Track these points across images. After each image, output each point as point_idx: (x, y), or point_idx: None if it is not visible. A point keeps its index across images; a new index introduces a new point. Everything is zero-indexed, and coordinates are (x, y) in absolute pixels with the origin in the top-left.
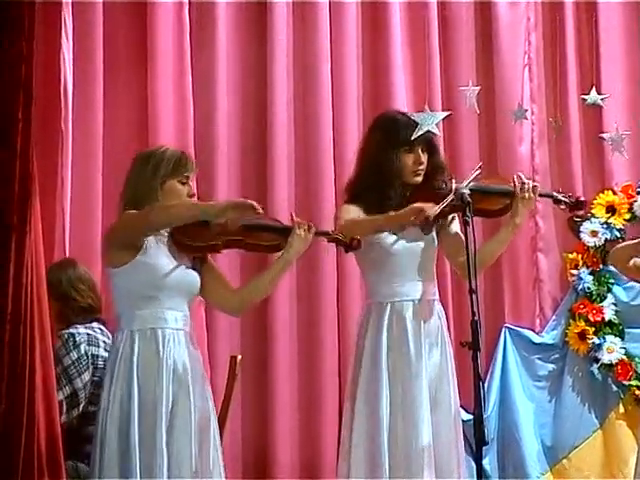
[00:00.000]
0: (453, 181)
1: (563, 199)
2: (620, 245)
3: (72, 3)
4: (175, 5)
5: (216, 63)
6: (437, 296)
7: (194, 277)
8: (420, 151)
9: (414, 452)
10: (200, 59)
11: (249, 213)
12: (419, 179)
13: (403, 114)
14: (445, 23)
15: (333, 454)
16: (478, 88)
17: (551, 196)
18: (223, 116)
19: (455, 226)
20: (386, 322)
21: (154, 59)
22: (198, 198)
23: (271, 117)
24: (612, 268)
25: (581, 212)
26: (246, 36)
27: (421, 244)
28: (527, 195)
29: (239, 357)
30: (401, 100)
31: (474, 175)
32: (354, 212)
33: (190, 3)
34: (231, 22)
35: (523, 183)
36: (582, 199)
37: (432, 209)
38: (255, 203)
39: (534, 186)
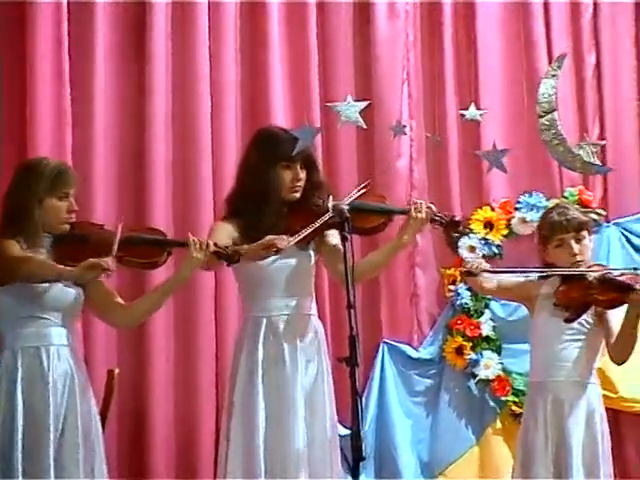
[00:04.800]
0: (330, 198)
1: (437, 218)
2: None
3: None
4: (53, 12)
5: (94, 70)
6: (315, 311)
7: (73, 295)
8: (299, 167)
9: (289, 458)
10: (78, 68)
11: (98, 272)
12: (297, 195)
13: (282, 129)
14: (324, 38)
15: (210, 466)
16: (366, 103)
17: (428, 217)
18: (100, 128)
19: (333, 237)
20: (262, 336)
21: (33, 70)
22: (76, 214)
23: (149, 127)
24: None
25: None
26: (125, 45)
27: (297, 260)
28: (419, 215)
29: (116, 371)
30: (280, 114)
31: (357, 194)
32: (226, 230)
33: (69, 9)
34: (110, 28)
35: (417, 202)
36: (457, 218)
37: (284, 241)
38: (107, 264)
39: (428, 207)
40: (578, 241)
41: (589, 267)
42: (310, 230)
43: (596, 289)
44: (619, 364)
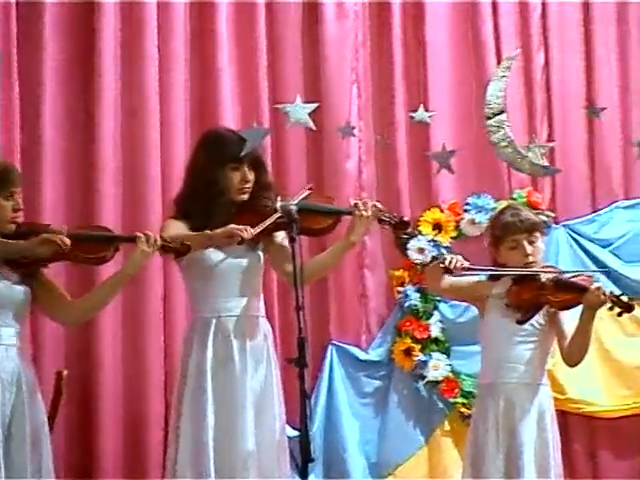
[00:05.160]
0: (279, 199)
1: (386, 219)
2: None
3: None
4: (1, 11)
5: (42, 71)
6: (263, 312)
7: (20, 293)
8: (247, 169)
9: (237, 459)
10: (27, 68)
11: (52, 248)
12: (245, 197)
13: (230, 130)
14: (273, 38)
15: (158, 466)
16: (316, 105)
17: (374, 215)
18: (49, 128)
19: (282, 239)
20: (211, 337)
21: None
22: (24, 211)
23: (97, 127)
24: None
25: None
26: (74, 45)
27: (246, 260)
28: (364, 213)
29: (65, 372)
30: (228, 115)
31: (303, 195)
32: (176, 227)
33: (18, 8)
34: (59, 29)
35: (364, 202)
36: (406, 219)
37: (247, 232)
38: (61, 240)
39: (374, 205)
40: (531, 243)
41: (542, 268)
42: (263, 226)
43: (549, 290)
44: (572, 366)
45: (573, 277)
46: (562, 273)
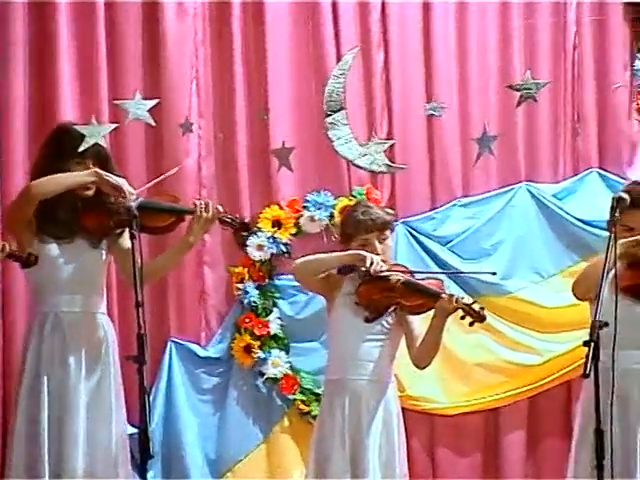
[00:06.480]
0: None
1: (228, 220)
2: (315, 257)
3: None
4: None
5: None
6: (104, 309)
7: None
8: (91, 164)
9: (71, 458)
10: None
11: None
12: (90, 192)
13: (74, 126)
14: (112, 34)
15: None
16: (155, 101)
17: (215, 217)
18: None
19: (125, 240)
20: (48, 332)
21: None
22: None
23: None
24: (278, 282)
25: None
26: None
27: (87, 257)
28: (204, 214)
29: None
30: (68, 111)
31: (170, 173)
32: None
33: None
34: None
35: (205, 203)
36: (247, 221)
37: (134, 196)
38: None
39: (215, 207)
40: (382, 241)
41: (391, 266)
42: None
43: (399, 292)
44: (421, 368)
45: (423, 280)
46: (458, 274)
